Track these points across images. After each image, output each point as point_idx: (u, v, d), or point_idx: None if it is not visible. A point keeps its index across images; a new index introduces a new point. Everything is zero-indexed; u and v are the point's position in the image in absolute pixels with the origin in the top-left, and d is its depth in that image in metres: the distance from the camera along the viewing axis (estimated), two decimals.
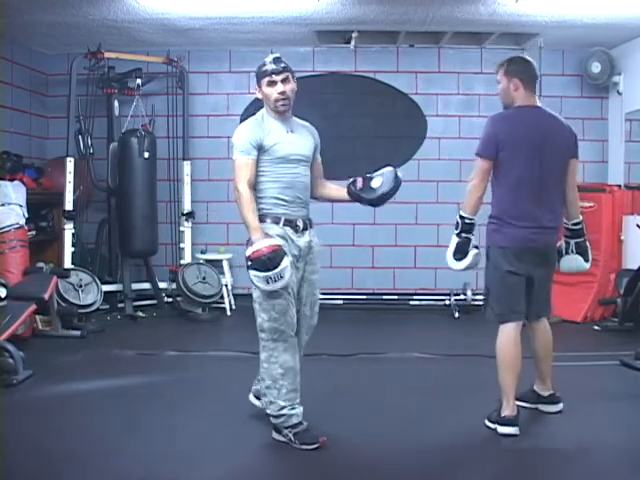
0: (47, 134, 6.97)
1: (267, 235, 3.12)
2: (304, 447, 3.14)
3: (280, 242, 3.11)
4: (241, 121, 3.49)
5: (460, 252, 3.31)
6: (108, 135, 6.49)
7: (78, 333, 5.39)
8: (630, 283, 5.58)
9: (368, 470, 2.98)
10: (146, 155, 6.24)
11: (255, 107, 3.50)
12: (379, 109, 6.82)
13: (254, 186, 3.18)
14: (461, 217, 3.31)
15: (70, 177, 6.11)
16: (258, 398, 3.47)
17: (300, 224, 3.24)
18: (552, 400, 3.61)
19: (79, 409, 3.71)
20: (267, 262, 3.01)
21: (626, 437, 3.33)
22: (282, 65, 3.19)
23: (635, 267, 5.60)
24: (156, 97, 6.71)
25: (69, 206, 6.08)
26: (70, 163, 6.12)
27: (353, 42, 6.23)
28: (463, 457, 3.14)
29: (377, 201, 3.38)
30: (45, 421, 3.50)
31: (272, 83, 3.19)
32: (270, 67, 3.18)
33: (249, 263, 3.06)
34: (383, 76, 6.84)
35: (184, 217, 6.65)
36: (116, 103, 6.49)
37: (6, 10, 5.26)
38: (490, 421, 3.38)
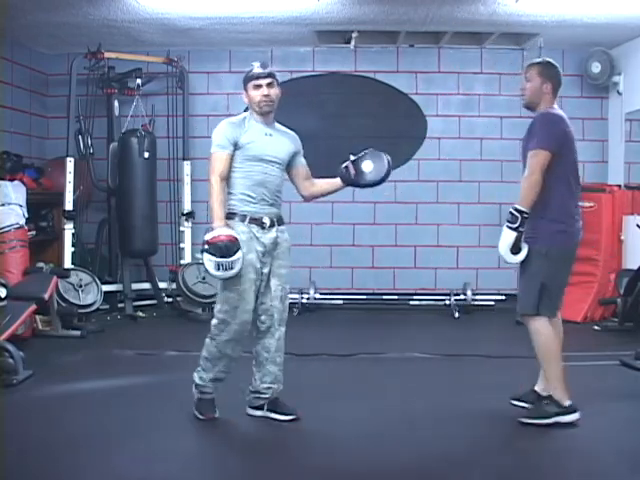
0: (47, 134, 6.97)
1: (228, 226, 3.27)
2: (196, 413, 3.44)
3: (237, 235, 3.24)
4: None
5: (516, 246, 3.39)
6: (108, 135, 6.50)
7: (78, 333, 5.39)
8: (630, 283, 5.58)
9: (368, 470, 2.97)
10: (146, 155, 6.24)
11: None
12: (379, 109, 6.81)
13: (226, 182, 3.38)
14: (520, 211, 3.36)
15: (70, 177, 6.12)
16: (258, 408, 3.52)
17: (266, 221, 3.37)
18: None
19: (79, 409, 3.71)
20: (223, 249, 3.18)
21: (626, 437, 3.34)
22: (268, 71, 3.38)
23: (635, 267, 5.61)
24: (156, 97, 6.71)
25: (69, 206, 6.09)
26: (70, 163, 6.12)
27: (353, 42, 6.23)
28: (463, 457, 3.13)
29: (374, 185, 3.54)
30: (45, 421, 3.50)
31: (257, 87, 3.37)
32: (257, 71, 3.37)
33: (205, 247, 3.22)
34: (383, 76, 6.84)
35: (184, 217, 6.65)
36: (116, 103, 6.49)
37: (8, 11, 5.27)
38: (544, 417, 3.40)
